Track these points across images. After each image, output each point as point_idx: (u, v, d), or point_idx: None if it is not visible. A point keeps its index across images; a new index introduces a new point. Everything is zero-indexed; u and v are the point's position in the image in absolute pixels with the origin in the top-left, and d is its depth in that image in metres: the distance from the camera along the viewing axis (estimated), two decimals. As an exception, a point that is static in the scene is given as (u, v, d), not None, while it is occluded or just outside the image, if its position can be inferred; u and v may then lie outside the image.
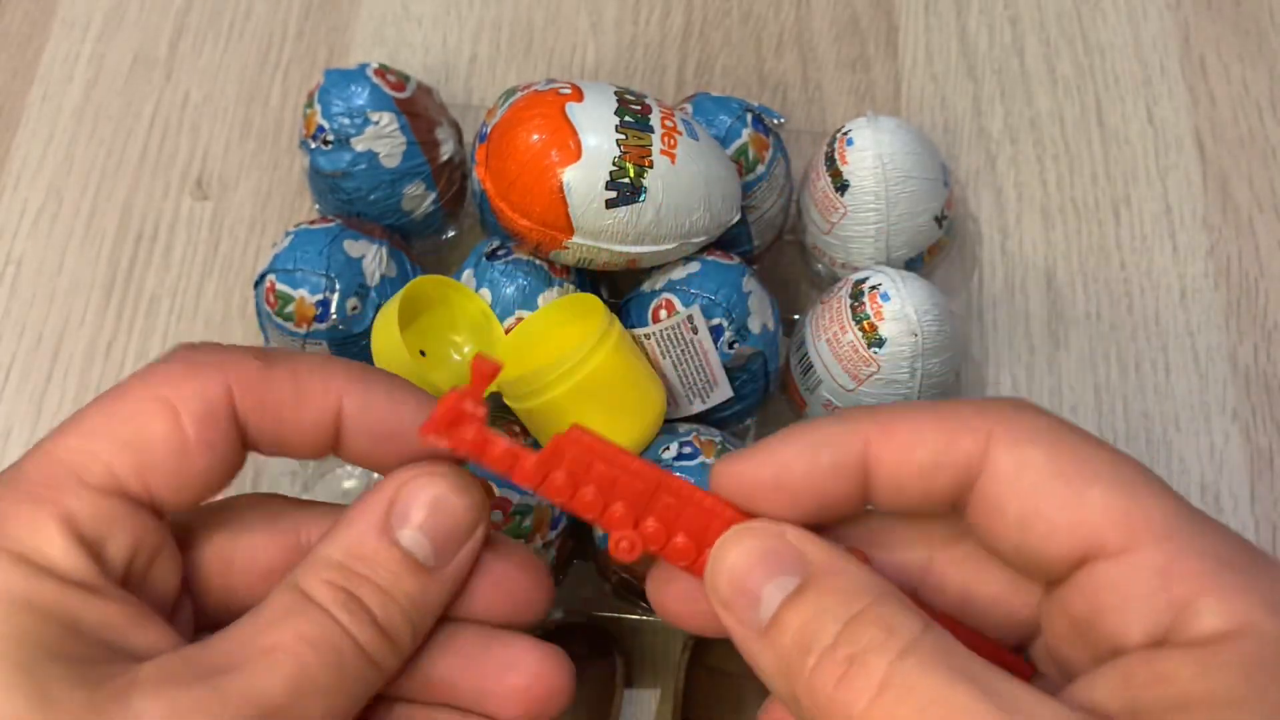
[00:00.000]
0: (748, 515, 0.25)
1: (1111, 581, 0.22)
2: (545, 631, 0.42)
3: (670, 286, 0.41)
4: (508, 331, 0.41)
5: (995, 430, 0.23)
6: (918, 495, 0.24)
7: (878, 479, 0.24)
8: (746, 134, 0.43)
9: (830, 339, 0.41)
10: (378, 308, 0.41)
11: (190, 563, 0.26)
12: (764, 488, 0.24)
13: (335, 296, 0.40)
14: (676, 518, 0.25)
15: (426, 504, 0.25)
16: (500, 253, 0.42)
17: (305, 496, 0.38)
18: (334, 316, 0.40)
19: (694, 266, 0.41)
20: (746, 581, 0.23)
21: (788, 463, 0.24)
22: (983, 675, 0.20)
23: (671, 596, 0.26)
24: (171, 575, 0.25)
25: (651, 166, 0.38)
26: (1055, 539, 0.22)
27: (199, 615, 0.26)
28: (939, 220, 0.45)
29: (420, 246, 0.46)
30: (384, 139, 0.43)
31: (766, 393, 0.44)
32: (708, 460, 0.38)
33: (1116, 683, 0.21)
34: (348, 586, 0.24)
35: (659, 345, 0.40)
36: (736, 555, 0.24)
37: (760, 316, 0.41)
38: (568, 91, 0.39)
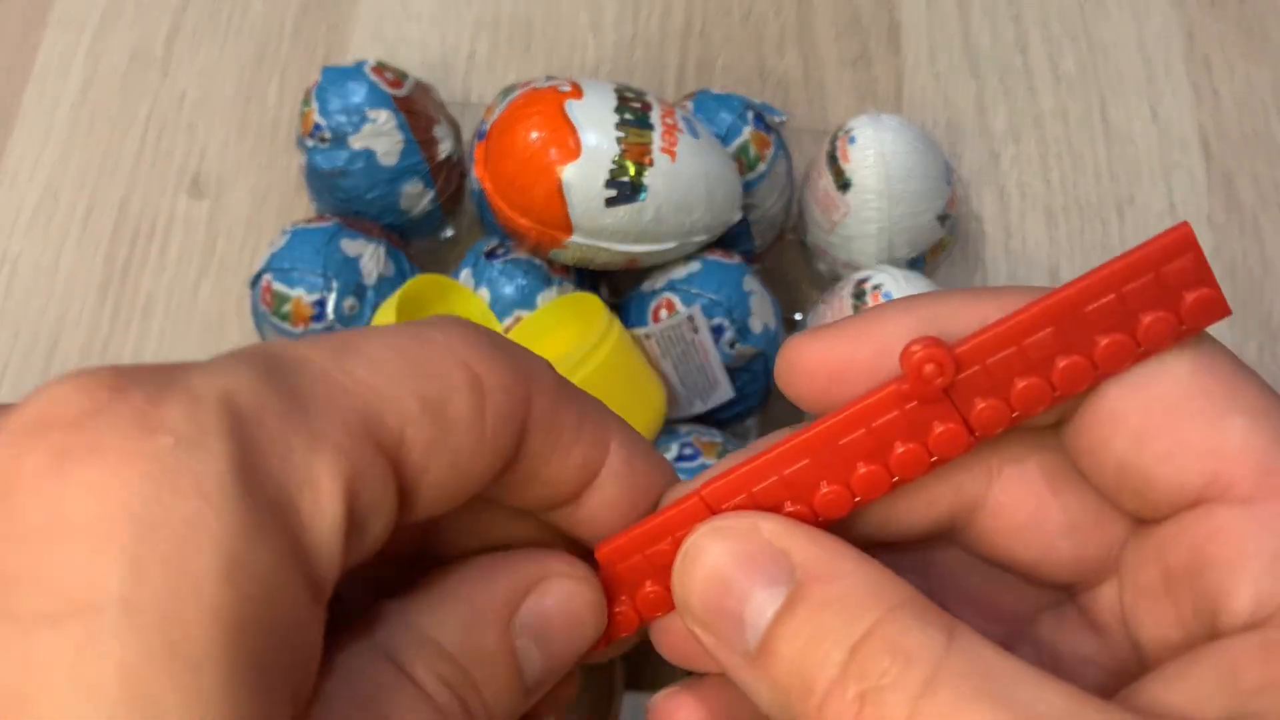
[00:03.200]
0: (707, 510, 0.21)
1: (1231, 530, 0.18)
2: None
3: (671, 286, 0.40)
4: (507, 331, 0.41)
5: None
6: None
7: None
8: (747, 132, 0.43)
9: (832, 339, 0.41)
10: (375, 307, 0.41)
11: None
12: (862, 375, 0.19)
13: (332, 296, 0.40)
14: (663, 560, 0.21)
15: (558, 612, 0.20)
16: (499, 252, 0.42)
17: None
18: (331, 316, 0.40)
19: (695, 266, 0.41)
20: (725, 597, 0.19)
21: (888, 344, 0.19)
22: (1031, 697, 0.16)
23: (672, 638, 0.22)
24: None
25: (652, 165, 0.38)
26: (1176, 462, 0.18)
27: None
28: (942, 219, 0.45)
29: (418, 245, 0.46)
30: (382, 137, 0.42)
31: (768, 393, 0.43)
32: (708, 461, 0.38)
33: (1218, 680, 0.17)
34: (461, 692, 0.19)
35: (659, 345, 0.40)
36: (707, 565, 0.19)
37: (761, 316, 0.41)
38: (567, 89, 0.39)
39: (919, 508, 0.21)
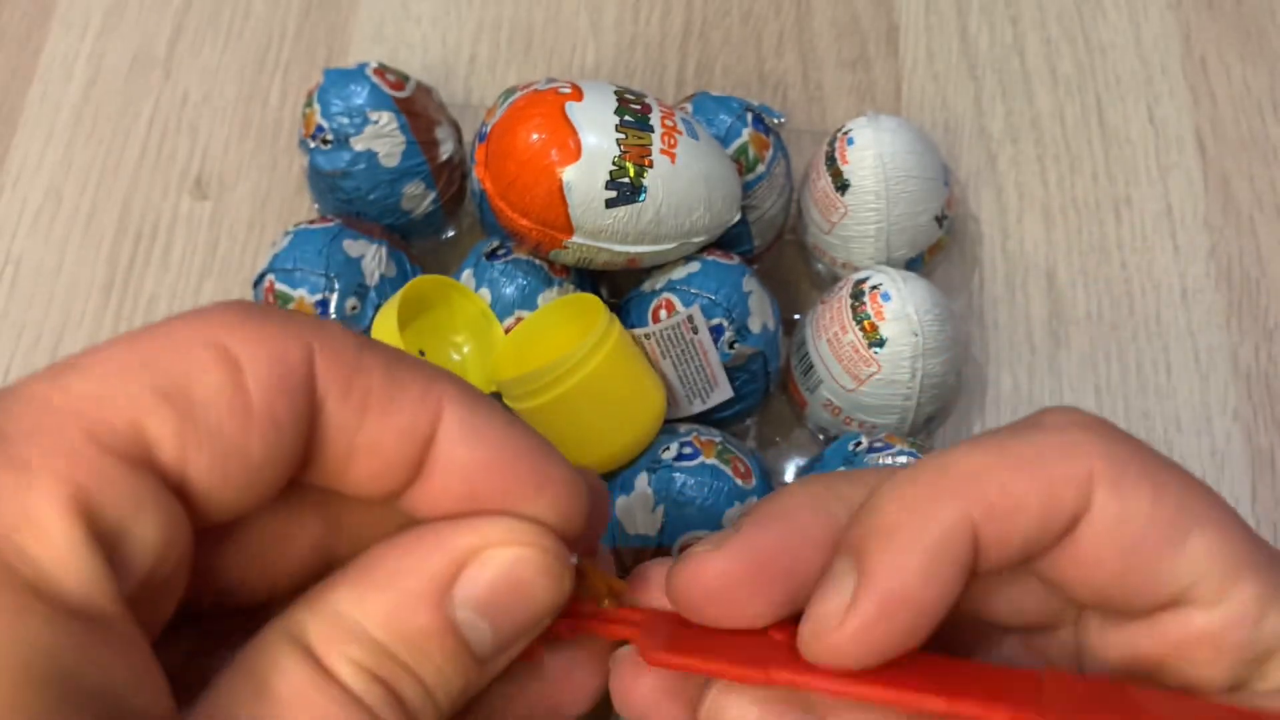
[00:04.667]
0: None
1: (1203, 630, 0.20)
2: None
3: (670, 286, 0.41)
4: (507, 331, 0.41)
5: (1095, 472, 0.20)
6: (1013, 561, 0.20)
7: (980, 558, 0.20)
8: (747, 133, 0.43)
9: (831, 339, 0.41)
10: (377, 307, 0.41)
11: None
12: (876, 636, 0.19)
13: (334, 296, 0.40)
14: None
15: (504, 583, 0.19)
16: (500, 252, 0.42)
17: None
18: (333, 316, 0.40)
19: (694, 266, 0.41)
20: None
21: (911, 588, 0.19)
22: None
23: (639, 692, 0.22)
24: (178, 589, 0.18)
25: (651, 166, 0.38)
26: (1153, 586, 0.20)
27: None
28: (939, 220, 0.45)
29: (420, 246, 0.46)
30: (383, 138, 0.43)
31: (767, 393, 0.43)
32: (708, 461, 0.38)
33: None
34: (385, 676, 0.18)
35: (659, 345, 0.40)
36: None
37: (760, 316, 0.41)
38: (567, 91, 0.39)
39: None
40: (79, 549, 0.15)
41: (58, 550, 0.15)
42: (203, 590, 0.19)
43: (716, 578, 0.20)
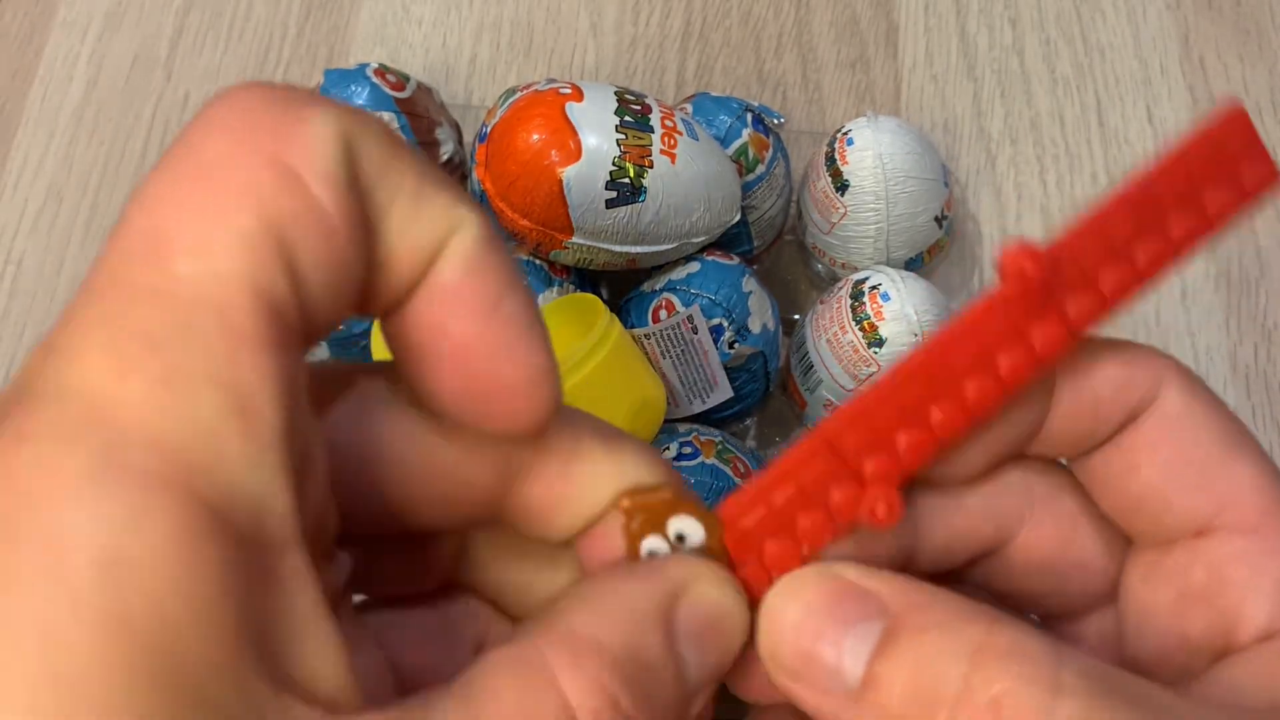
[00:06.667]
0: (829, 451, 0.19)
1: (1246, 555, 0.20)
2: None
3: (670, 286, 0.41)
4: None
5: (1167, 373, 0.21)
6: (1084, 432, 0.21)
7: (1052, 415, 0.21)
8: (746, 134, 0.43)
9: (830, 339, 0.41)
10: (378, 308, 0.41)
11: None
12: None
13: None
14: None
15: (713, 617, 0.19)
16: (500, 253, 0.42)
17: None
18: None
19: (694, 266, 0.41)
20: (818, 644, 0.19)
21: None
22: (1146, 693, 0.17)
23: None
24: (323, 473, 0.17)
25: (651, 166, 0.38)
26: (1195, 492, 0.20)
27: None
28: (939, 220, 0.45)
29: (420, 246, 0.46)
30: (384, 139, 0.43)
31: (767, 393, 0.43)
32: (707, 461, 0.38)
33: (1264, 674, 0.19)
34: (626, 704, 0.17)
35: (659, 345, 0.40)
36: (795, 615, 0.19)
37: (760, 316, 0.41)
38: (568, 91, 0.39)
39: (957, 542, 0.22)
40: (253, 470, 0.14)
41: (238, 475, 0.14)
42: (370, 513, 0.19)
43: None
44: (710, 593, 0.19)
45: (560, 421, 0.19)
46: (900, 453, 0.20)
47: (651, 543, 0.20)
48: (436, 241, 0.17)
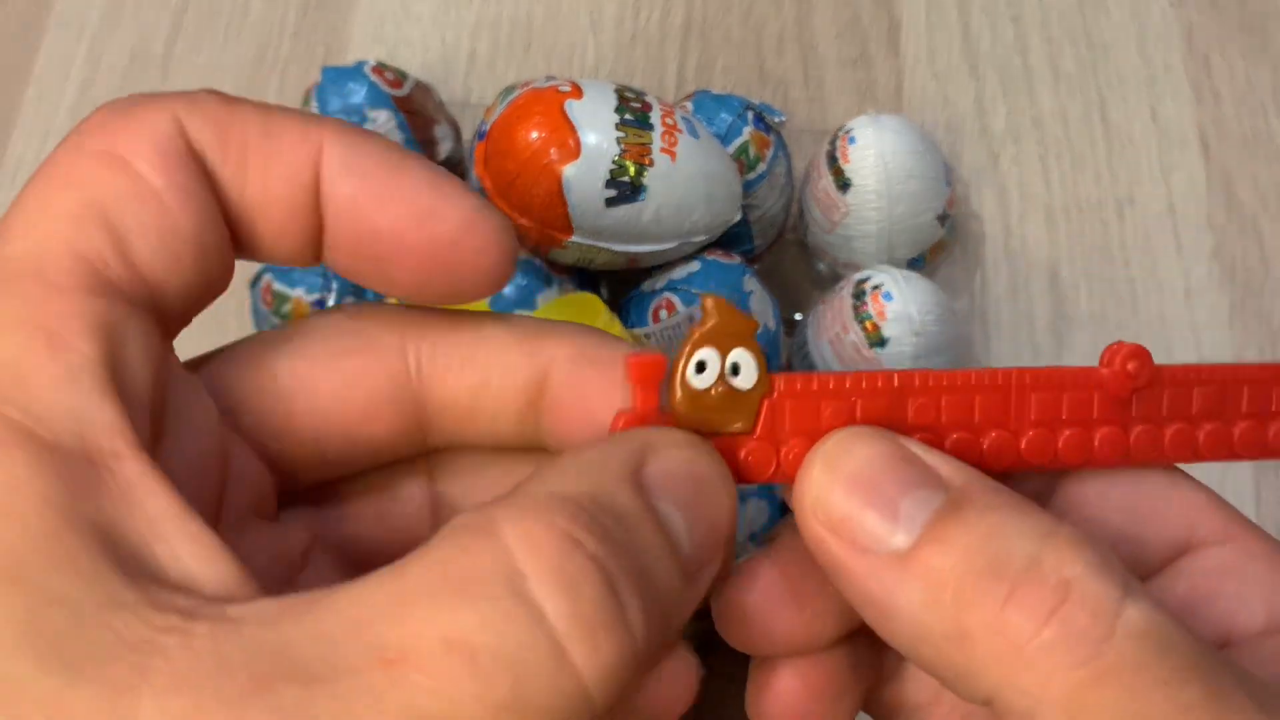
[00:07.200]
0: (894, 394, 0.19)
1: (1228, 566, 0.20)
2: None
3: (671, 286, 0.40)
4: (506, 331, 0.41)
5: None
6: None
7: None
8: (747, 132, 0.43)
9: (832, 339, 0.41)
10: (375, 308, 0.41)
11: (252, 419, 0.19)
12: None
13: (332, 296, 0.40)
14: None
15: (686, 474, 0.18)
16: (499, 252, 0.42)
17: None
18: (331, 316, 0.40)
19: (694, 266, 0.41)
20: (874, 492, 0.18)
21: None
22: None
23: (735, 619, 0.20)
24: (205, 421, 0.18)
25: (651, 165, 0.38)
26: (1162, 521, 0.21)
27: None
28: (941, 219, 0.45)
29: (418, 246, 0.46)
30: (382, 137, 0.42)
31: (768, 393, 0.43)
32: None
33: (1271, 659, 0.19)
34: (592, 545, 0.16)
35: (659, 345, 0.40)
36: (854, 464, 0.18)
37: (761, 316, 0.41)
38: (567, 89, 0.39)
39: None
40: (63, 389, 0.15)
41: (45, 395, 0.15)
42: (313, 459, 0.19)
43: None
44: (682, 451, 0.18)
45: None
46: (947, 448, 0.20)
47: (706, 353, 0.19)
48: (302, 168, 0.18)
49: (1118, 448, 0.20)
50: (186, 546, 0.15)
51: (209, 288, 0.18)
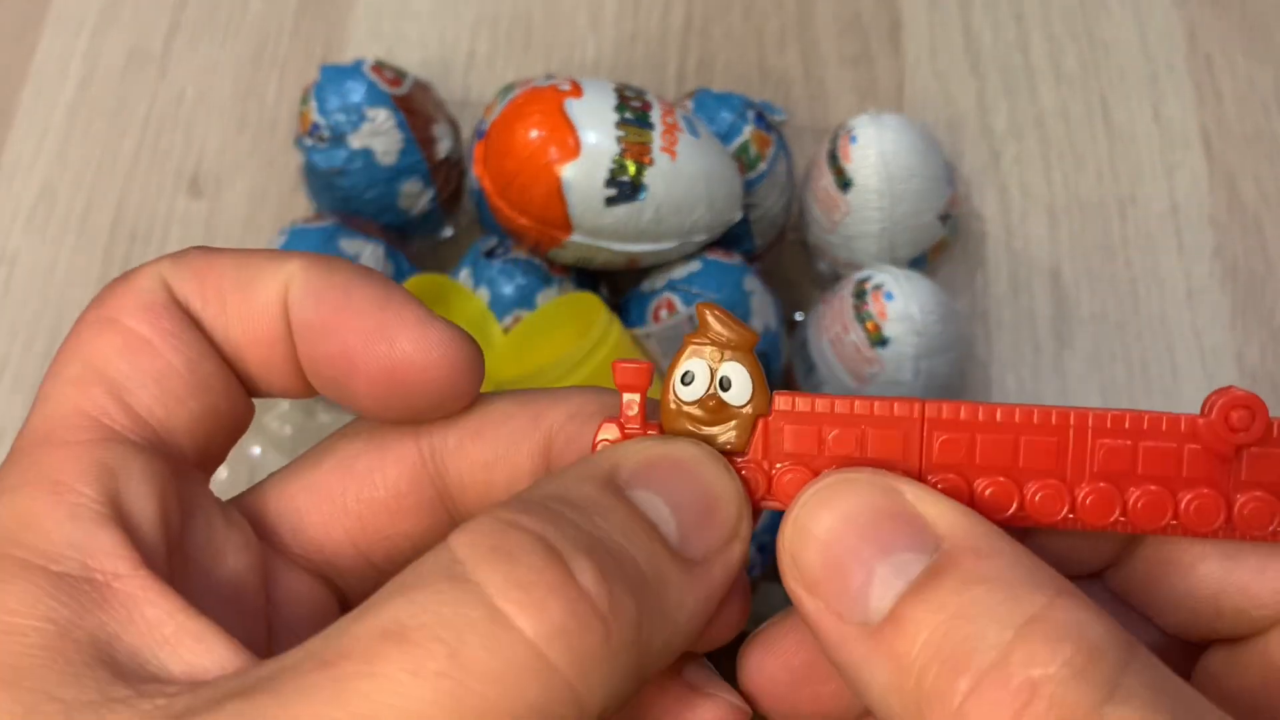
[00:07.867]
0: (919, 428, 0.17)
1: None
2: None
3: (671, 286, 0.40)
4: (506, 331, 0.40)
5: None
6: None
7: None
8: (748, 131, 0.43)
9: (833, 338, 0.41)
10: (374, 307, 0.40)
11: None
12: None
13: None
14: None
15: (659, 457, 0.17)
16: (498, 251, 0.41)
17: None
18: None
19: (695, 265, 0.40)
20: (850, 556, 0.16)
21: None
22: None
23: (767, 675, 0.19)
24: (238, 543, 0.19)
25: (652, 164, 0.38)
26: (1271, 572, 0.19)
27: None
28: (943, 219, 0.45)
29: (417, 245, 0.46)
30: (380, 136, 0.42)
31: (768, 393, 0.43)
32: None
33: None
34: (531, 523, 0.16)
35: (659, 345, 0.40)
36: (831, 521, 0.17)
37: (762, 316, 0.41)
38: (567, 88, 0.38)
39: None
40: (66, 526, 0.17)
41: (52, 534, 0.17)
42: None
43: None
44: (657, 445, 0.18)
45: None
46: (975, 495, 0.18)
47: (694, 364, 0.18)
48: (273, 302, 0.19)
49: (1212, 515, 0.17)
50: (188, 644, 0.16)
51: (219, 421, 0.20)
